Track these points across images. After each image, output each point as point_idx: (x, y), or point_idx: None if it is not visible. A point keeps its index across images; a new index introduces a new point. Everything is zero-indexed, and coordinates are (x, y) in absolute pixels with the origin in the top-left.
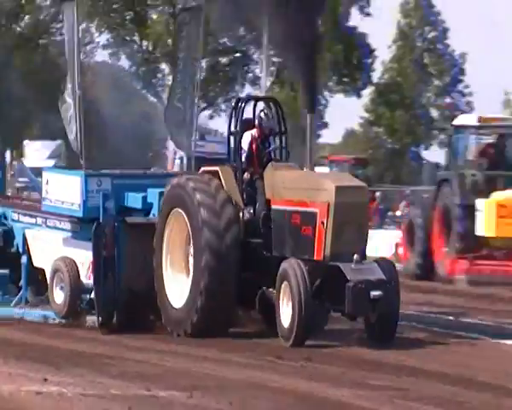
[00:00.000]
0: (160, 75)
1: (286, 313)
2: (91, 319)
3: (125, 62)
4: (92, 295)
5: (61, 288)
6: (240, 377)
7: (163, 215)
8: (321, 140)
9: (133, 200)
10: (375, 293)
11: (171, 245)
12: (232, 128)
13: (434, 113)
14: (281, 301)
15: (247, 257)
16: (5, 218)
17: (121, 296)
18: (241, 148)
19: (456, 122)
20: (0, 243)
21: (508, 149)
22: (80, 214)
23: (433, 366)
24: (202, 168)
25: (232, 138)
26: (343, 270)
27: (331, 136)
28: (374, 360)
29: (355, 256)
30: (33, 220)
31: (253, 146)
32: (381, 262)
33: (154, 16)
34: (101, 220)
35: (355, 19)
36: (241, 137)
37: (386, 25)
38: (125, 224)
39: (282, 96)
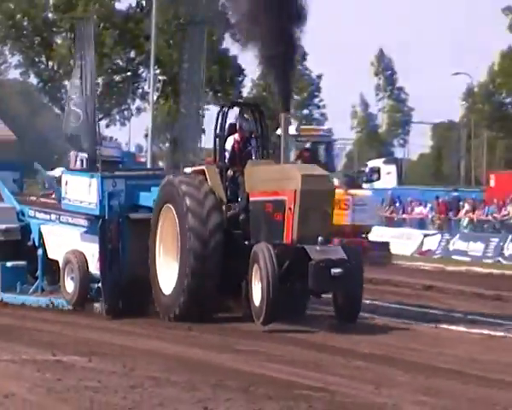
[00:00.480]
0: (63, 91)
1: (256, 293)
2: (98, 306)
3: (33, 80)
4: (100, 284)
5: (72, 278)
6: (133, 345)
7: (156, 210)
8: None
9: (144, 198)
10: (335, 270)
11: (164, 238)
12: (218, 131)
13: (294, 123)
14: (253, 282)
15: (231, 248)
16: (23, 214)
17: (126, 285)
18: (225, 149)
19: (278, 132)
20: (18, 237)
21: (319, 153)
22: (97, 212)
23: (315, 338)
24: (192, 168)
25: (218, 140)
26: (308, 251)
27: (208, 141)
28: (249, 329)
29: (319, 239)
30: (48, 217)
31: (235, 148)
32: (347, 245)
33: (59, 41)
34: (106, 217)
35: (228, 43)
36: (226, 140)
37: None
38: (128, 219)
39: (166, 107)
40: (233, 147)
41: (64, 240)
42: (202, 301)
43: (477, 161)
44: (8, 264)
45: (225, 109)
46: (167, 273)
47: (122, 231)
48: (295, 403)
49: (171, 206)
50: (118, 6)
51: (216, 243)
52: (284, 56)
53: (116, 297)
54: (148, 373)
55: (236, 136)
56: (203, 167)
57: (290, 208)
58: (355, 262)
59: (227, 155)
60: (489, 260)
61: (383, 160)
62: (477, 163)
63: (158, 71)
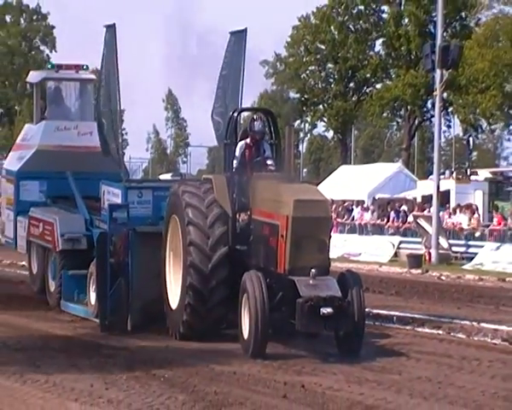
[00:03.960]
0: None
1: (245, 325)
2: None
3: None
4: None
5: (95, 290)
6: None
7: (166, 221)
8: None
9: None
10: (325, 310)
11: (174, 250)
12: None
13: None
14: (242, 313)
15: (237, 266)
16: (91, 224)
17: (135, 301)
18: (235, 156)
19: None
20: (83, 246)
21: None
22: None
23: None
24: (204, 176)
25: (226, 148)
26: (297, 285)
27: None
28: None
29: (312, 271)
30: (105, 227)
31: (246, 153)
32: (347, 275)
33: None
34: (108, 230)
35: None
36: (235, 147)
37: None
38: (135, 233)
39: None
40: (243, 152)
41: None
42: (204, 318)
43: None
44: (70, 272)
45: (234, 115)
46: (175, 288)
47: (130, 244)
48: (105, 360)
49: (176, 217)
50: None
51: (219, 259)
52: None
53: (121, 314)
54: None
55: (248, 140)
56: (211, 177)
57: (282, 236)
58: (354, 294)
59: (235, 162)
60: None
61: (171, 174)
62: None
63: None
